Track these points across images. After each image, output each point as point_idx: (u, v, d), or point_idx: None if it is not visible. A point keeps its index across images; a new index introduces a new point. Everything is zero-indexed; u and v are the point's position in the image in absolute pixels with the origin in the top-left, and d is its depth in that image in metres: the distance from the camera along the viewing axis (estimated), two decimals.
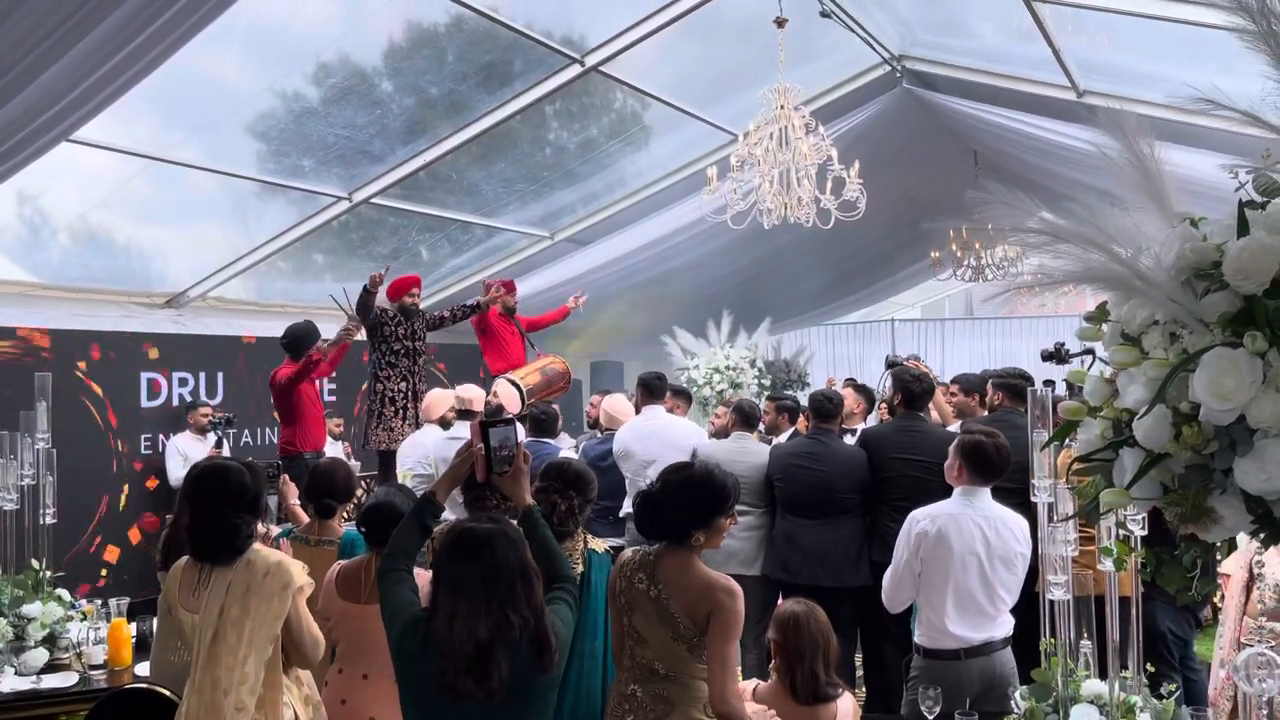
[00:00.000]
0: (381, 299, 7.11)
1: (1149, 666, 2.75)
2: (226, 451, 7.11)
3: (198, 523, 2.86)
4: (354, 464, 8.08)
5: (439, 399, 6.28)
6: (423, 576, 2.49)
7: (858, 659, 5.27)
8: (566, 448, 6.18)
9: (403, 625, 2.35)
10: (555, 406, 6.47)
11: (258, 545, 2.92)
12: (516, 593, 2.25)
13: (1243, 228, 1.35)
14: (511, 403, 6.61)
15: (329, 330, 6.92)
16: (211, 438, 7.27)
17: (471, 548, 2.28)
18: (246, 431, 8.08)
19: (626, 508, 5.78)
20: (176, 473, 6.95)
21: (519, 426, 6.01)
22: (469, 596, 2.23)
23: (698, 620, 2.74)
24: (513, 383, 6.78)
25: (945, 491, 3.73)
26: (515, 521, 2.65)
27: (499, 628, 2.21)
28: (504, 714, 2.28)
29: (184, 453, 7.18)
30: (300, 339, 6.62)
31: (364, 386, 7.85)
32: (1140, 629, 2.80)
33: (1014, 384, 4.94)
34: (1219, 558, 2.91)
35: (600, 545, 3.32)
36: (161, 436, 7.50)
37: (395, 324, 7.04)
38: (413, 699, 2.35)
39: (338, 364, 7.02)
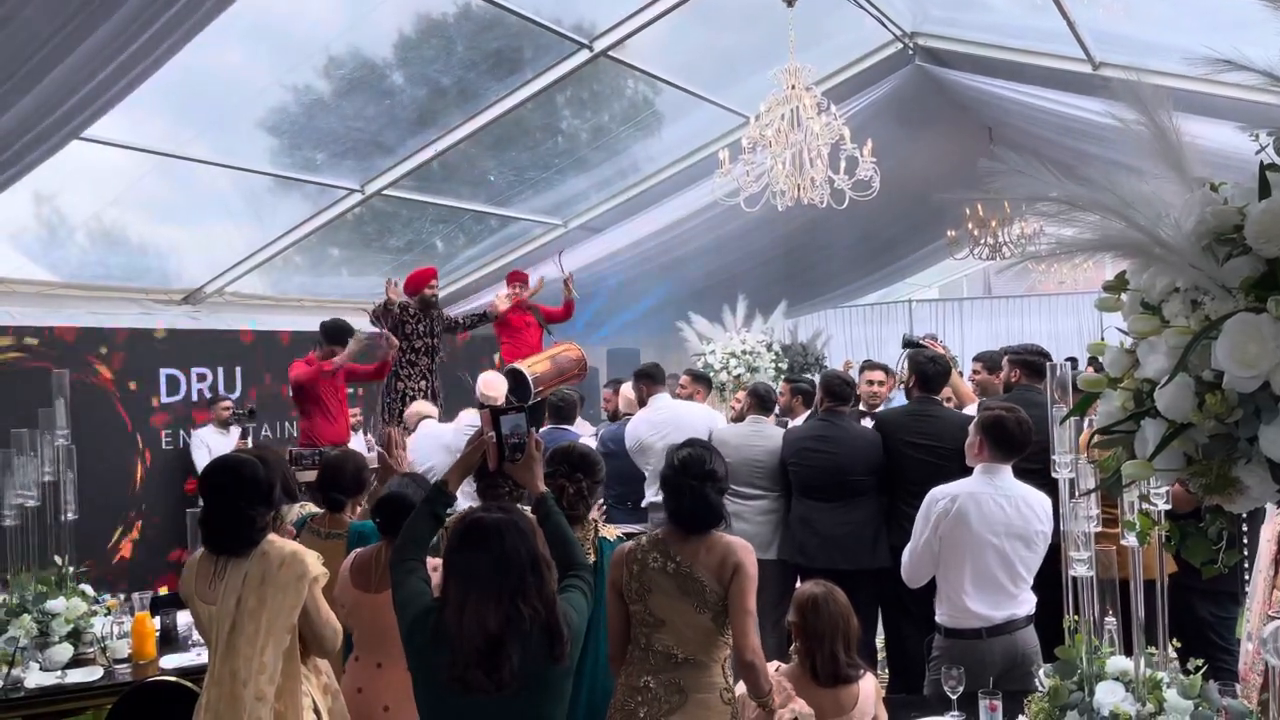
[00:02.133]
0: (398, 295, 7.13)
1: (1188, 656, 2.71)
2: (250, 443, 7.14)
3: (212, 516, 2.87)
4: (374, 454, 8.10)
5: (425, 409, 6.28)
6: (434, 564, 2.48)
7: (879, 641, 5.24)
8: (586, 435, 6.17)
9: (413, 616, 2.33)
10: (574, 394, 6.46)
11: (272, 536, 2.93)
12: (527, 583, 2.22)
13: (1264, 190, 1.33)
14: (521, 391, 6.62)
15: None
16: (235, 430, 7.30)
17: (481, 538, 2.25)
18: (266, 425, 8.10)
19: (650, 497, 5.76)
20: (203, 463, 6.98)
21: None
22: (479, 588, 2.20)
23: (723, 581, 2.79)
24: (518, 371, 6.76)
25: (958, 476, 3.70)
26: (530, 508, 2.64)
27: (509, 619, 2.18)
28: (517, 705, 2.26)
29: (208, 444, 7.24)
30: (333, 333, 6.58)
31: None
32: (1165, 607, 2.76)
33: (1030, 360, 4.86)
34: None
35: (612, 533, 3.30)
36: (181, 432, 7.55)
37: (416, 321, 7.06)
38: (425, 690, 2.34)
39: (372, 379, 6.90)
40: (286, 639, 2.81)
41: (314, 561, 2.89)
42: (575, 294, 8.18)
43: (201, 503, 2.96)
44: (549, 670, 2.28)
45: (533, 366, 6.94)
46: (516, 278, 8.18)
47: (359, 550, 3.41)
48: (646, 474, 5.76)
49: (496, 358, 8.68)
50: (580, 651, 3.01)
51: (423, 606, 2.33)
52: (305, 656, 2.97)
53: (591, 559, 3.12)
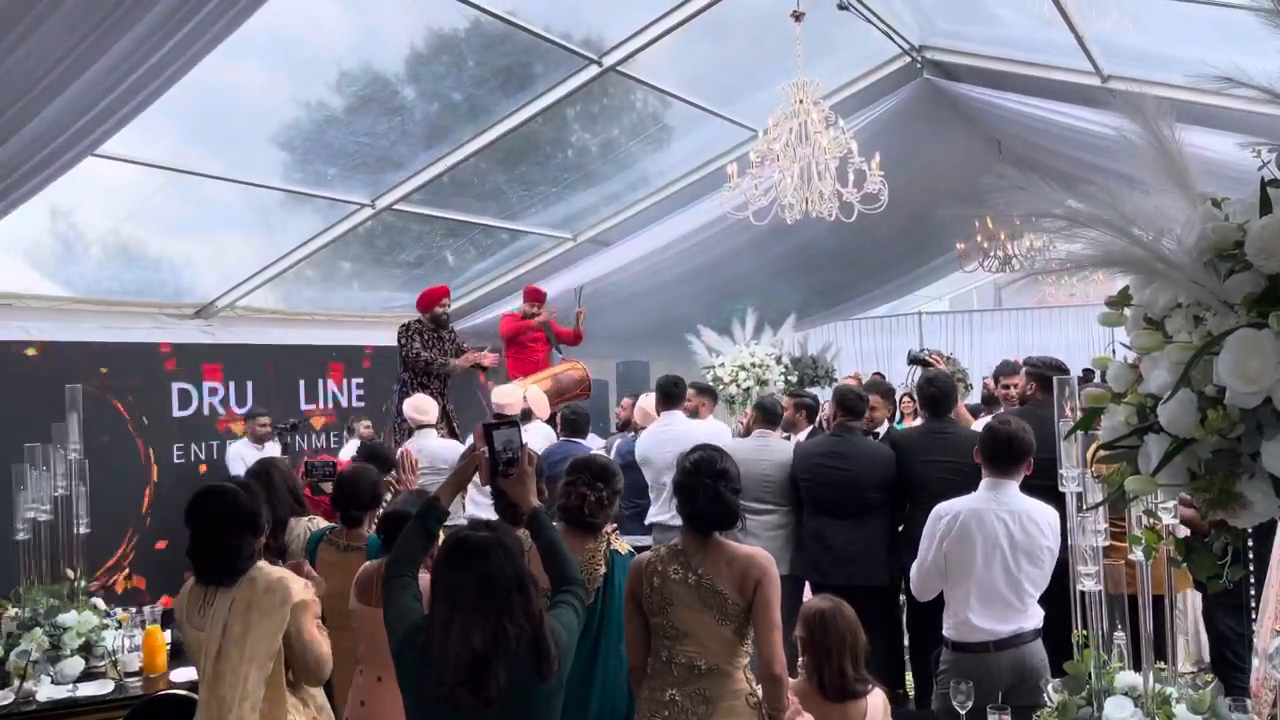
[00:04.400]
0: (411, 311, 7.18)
1: (1205, 672, 2.69)
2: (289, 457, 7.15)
3: (198, 546, 2.86)
4: None
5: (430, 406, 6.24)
6: (425, 579, 2.49)
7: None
8: (596, 448, 6.19)
9: (403, 633, 2.35)
10: (585, 408, 6.50)
11: (261, 563, 2.93)
12: (513, 602, 2.23)
13: (1265, 206, 1.33)
14: (541, 407, 6.64)
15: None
16: (271, 445, 7.34)
17: (466, 557, 2.27)
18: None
19: (652, 515, 5.77)
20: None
21: (522, 428, 5.95)
22: (464, 606, 2.22)
23: (745, 593, 2.79)
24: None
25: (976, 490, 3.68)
26: (530, 519, 2.64)
27: (495, 637, 2.20)
28: None
29: (243, 458, 7.27)
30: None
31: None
32: (1176, 624, 2.75)
33: (1044, 374, 4.84)
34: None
35: (624, 547, 3.30)
36: (194, 446, 7.59)
37: (438, 344, 7.10)
38: (414, 706, 2.35)
39: None
40: (270, 665, 2.80)
41: (299, 588, 2.88)
42: (583, 328, 8.28)
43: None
44: (537, 687, 2.28)
45: (535, 384, 6.98)
46: (534, 295, 8.20)
47: (365, 564, 3.44)
48: (650, 487, 5.77)
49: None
50: (589, 665, 3.03)
51: (412, 624, 2.35)
52: (296, 686, 2.97)
53: (603, 571, 3.13)
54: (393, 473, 4.56)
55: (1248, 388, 1.24)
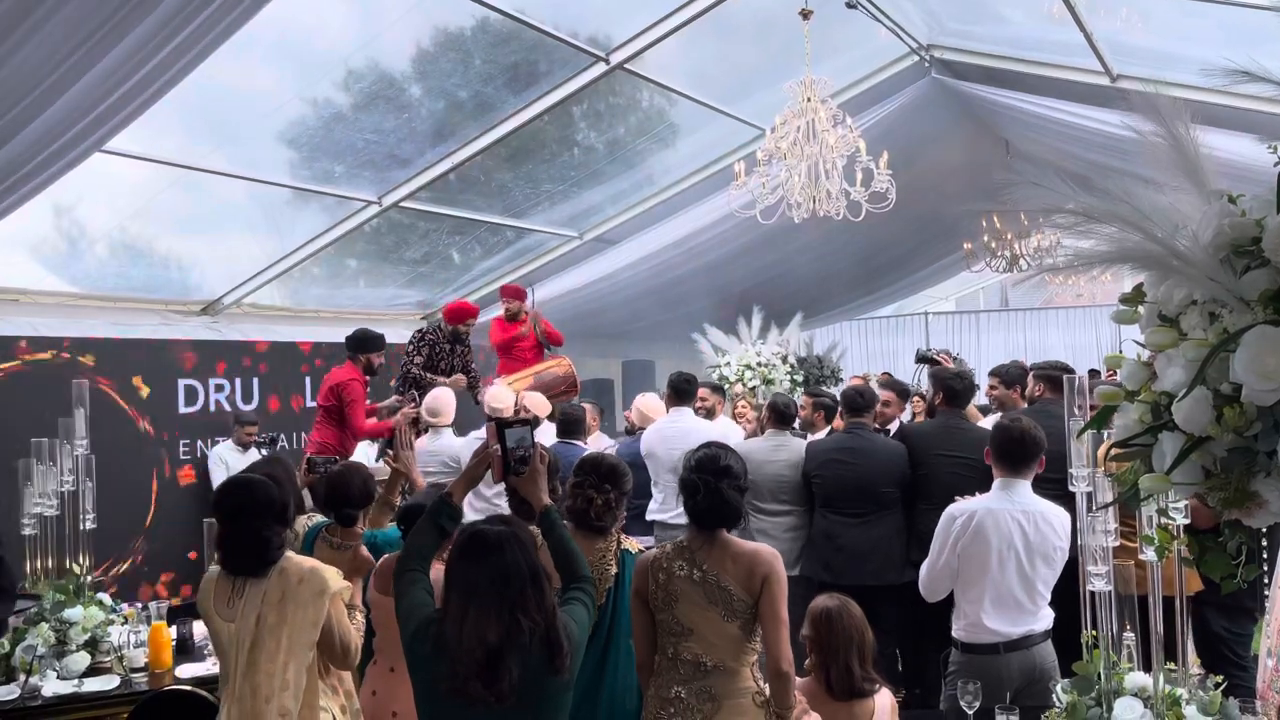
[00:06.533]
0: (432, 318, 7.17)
1: (1208, 672, 2.68)
2: None
3: (228, 538, 2.87)
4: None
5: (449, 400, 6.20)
6: (436, 570, 2.49)
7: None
8: (601, 449, 6.16)
9: (415, 627, 2.35)
10: (585, 407, 6.46)
11: (289, 554, 2.94)
12: (527, 596, 2.23)
13: None
14: (540, 408, 6.61)
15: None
16: (254, 452, 7.32)
17: (482, 550, 2.27)
18: (282, 436, 8.12)
19: (652, 512, 5.75)
20: (220, 480, 6.99)
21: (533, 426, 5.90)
22: (479, 599, 2.22)
23: (752, 590, 2.78)
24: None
25: (986, 489, 3.67)
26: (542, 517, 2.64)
27: (509, 631, 2.20)
28: (517, 717, 2.27)
29: (226, 461, 7.26)
30: (364, 341, 6.56)
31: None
32: (1187, 625, 2.73)
33: (1053, 374, 4.85)
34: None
35: (635, 545, 3.30)
36: (200, 442, 7.59)
37: (447, 356, 7.13)
38: (425, 700, 2.36)
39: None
40: (309, 655, 2.83)
41: (333, 576, 2.90)
42: (536, 329, 7.86)
43: (216, 524, 2.94)
44: (549, 682, 2.29)
45: (515, 384, 6.93)
46: (513, 293, 8.08)
47: (387, 556, 3.47)
48: (652, 483, 5.75)
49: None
50: (600, 663, 3.03)
51: (424, 617, 2.35)
52: (326, 672, 2.98)
53: (614, 571, 3.13)
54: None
55: (1265, 385, 1.23)
